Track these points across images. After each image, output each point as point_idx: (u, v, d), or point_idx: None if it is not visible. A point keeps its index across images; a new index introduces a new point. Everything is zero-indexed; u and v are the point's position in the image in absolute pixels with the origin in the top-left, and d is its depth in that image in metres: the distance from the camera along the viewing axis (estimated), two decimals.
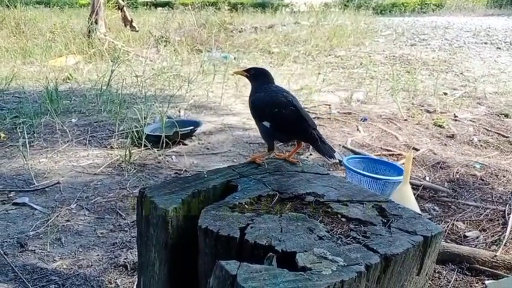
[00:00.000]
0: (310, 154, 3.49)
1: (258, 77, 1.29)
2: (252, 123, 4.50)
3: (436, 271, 1.95)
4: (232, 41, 7.42)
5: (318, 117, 4.51)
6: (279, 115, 1.22)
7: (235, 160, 3.40)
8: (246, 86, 5.41)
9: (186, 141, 3.65)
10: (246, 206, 1.08)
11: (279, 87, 1.32)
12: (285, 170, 1.29)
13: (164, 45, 6.89)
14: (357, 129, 4.11)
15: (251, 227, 0.96)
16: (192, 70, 5.65)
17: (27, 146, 3.20)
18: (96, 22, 6.76)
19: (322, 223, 1.00)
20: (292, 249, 0.88)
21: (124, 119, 3.84)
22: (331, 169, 3.14)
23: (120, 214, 2.45)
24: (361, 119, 4.32)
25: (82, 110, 4.21)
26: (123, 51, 6.25)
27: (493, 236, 2.23)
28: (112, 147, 3.37)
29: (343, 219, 1.03)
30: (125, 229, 2.33)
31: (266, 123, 1.24)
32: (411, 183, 2.58)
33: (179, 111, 4.40)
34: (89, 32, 6.76)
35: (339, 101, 4.96)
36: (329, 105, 4.84)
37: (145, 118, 3.64)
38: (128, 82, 5.05)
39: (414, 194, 2.57)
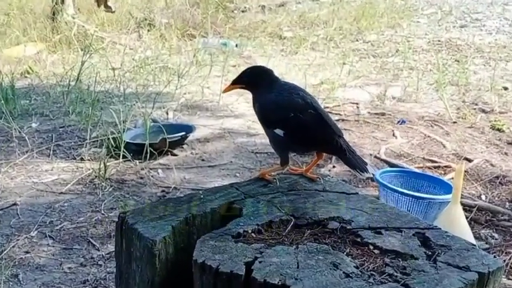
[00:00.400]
0: (334, 167, 3.50)
1: (257, 81, 1.26)
2: (259, 127, 4.50)
3: None
4: (233, 23, 7.47)
5: (343, 120, 4.51)
6: (296, 121, 1.21)
7: (238, 175, 3.41)
8: None
9: (176, 151, 3.68)
10: (253, 234, 1.09)
11: (290, 84, 1.31)
12: (302, 189, 1.30)
13: (148, 30, 6.97)
14: (393, 135, 4.11)
15: (260, 262, 0.96)
16: (182, 61, 5.70)
17: None
18: (62, 1, 6.85)
19: (349, 256, 1.01)
20: None
21: (98, 123, 3.89)
22: (360, 186, 3.15)
23: (93, 244, 2.47)
24: (398, 122, 4.32)
25: (44, 112, 4.26)
26: (96, 38, 6.33)
27: None
28: (82, 159, 3.41)
29: (376, 252, 1.03)
30: (99, 263, 2.35)
31: (279, 132, 1.23)
32: (462, 204, 2.57)
33: (167, 113, 4.44)
34: (54, 13, 6.84)
35: (370, 99, 4.97)
36: (357, 104, 4.85)
37: (124, 122, 3.68)
38: (103, 76, 5.11)
39: (467, 218, 2.56)
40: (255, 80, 1.26)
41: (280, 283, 0.91)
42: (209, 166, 3.49)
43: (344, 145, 1.22)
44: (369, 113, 4.62)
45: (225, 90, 1.30)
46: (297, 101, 1.23)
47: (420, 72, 5.50)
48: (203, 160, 3.58)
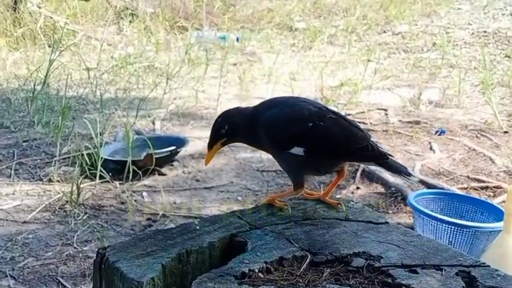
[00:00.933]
0: (358, 188, 3.51)
1: (238, 123, 1.24)
2: None
3: None
4: (233, 13, 7.54)
5: (368, 130, 4.51)
6: (318, 131, 1.19)
7: (240, 198, 3.42)
8: (254, 82, 5.48)
9: (165, 170, 3.70)
10: (260, 274, 1.09)
11: (281, 97, 1.35)
12: (320, 218, 1.30)
13: (130, 22, 7.03)
14: (430, 148, 4.11)
15: None
16: (172, 59, 5.75)
17: None
18: None
19: None
20: None
21: (69, 136, 3.91)
22: (390, 211, 3.15)
23: (63, 285, 2.48)
24: (436, 132, 4.32)
25: (4, 122, 4.31)
26: (67, 32, 6.40)
27: None
28: (50, 180, 3.43)
29: None
30: None
31: (297, 151, 1.20)
32: None
33: (154, 123, 4.46)
34: (16, 3, 6.92)
35: (401, 104, 4.98)
36: (385, 110, 4.87)
37: (101, 134, 3.70)
38: (76, 79, 5.16)
39: None
40: (236, 125, 1.23)
41: None
42: (205, 188, 3.49)
43: (381, 148, 1.23)
44: (400, 121, 4.63)
45: (208, 160, 1.29)
46: (309, 107, 1.22)
47: (462, 71, 5.52)
48: (197, 181, 3.59)
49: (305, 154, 1.22)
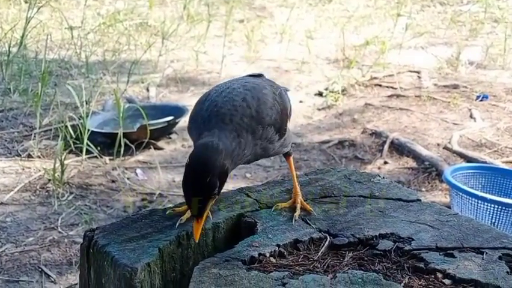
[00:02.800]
0: (385, 163, 3.50)
1: (226, 173, 1.12)
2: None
3: None
4: None
5: (398, 96, 4.50)
6: (283, 97, 1.32)
7: (248, 175, 3.43)
8: (264, 41, 5.44)
9: (161, 143, 3.71)
10: (272, 259, 1.09)
11: (214, 96, 1.24)
12: (341, 195, 1.30)
13: None
14: (471, 116, 4.09)
15: None
16: (168, 15, 5.72)
17: None
18: None
19: None
20: None
21: (51, 105, 3.92)
22: (423, 189, 3.14)
23: (47, 274, 2.51)
24: (477, 98, 4.29)
25: None
26: None
27: None
28: (30, 156, 3.45)
29: (446, 282, 1.03)
30: None
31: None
32: None
33: (148, 90, 4.46)
34: None
35: (437, 65, 4.94)
36: (418, 72, 4.83)
37: (87, 103, 3.70)
38: (57, 39, 5.15)
39: None
40: (226, 172, 1.12)
41: None
42: None
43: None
44: (435, 85, 4.60)
45: (198, 235, 1.10)
46: (250, 83, 1.27)
47: (508, 26, 5.44)
48: None
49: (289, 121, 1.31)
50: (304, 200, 1.26)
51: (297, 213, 1.22)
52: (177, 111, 3.83)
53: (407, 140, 3.71)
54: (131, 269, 1.04)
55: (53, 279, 2.48)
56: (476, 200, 2.60)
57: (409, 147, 3.60)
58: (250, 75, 1.37)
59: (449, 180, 2.72)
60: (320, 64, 5.08)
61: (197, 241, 1.11)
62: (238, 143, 1.14)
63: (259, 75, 1.37)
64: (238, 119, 1.15)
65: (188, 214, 1.17)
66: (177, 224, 1.15)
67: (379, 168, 3.44)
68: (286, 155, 1.34)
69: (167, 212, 1.21)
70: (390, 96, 4.46)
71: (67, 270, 2.52)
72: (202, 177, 1.08)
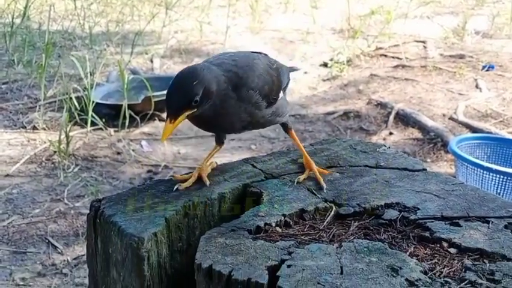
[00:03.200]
0: (390, 134, 3.51)
1: (210, 94, 1.14)
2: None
3: None
4: None
5: (404, 66, 4.48)
6: (281, 69, 1.35)
7: (254, 147, 3.43)
8: (268, 12, 5.41)
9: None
10: (277, 229, 1.11)
11: (220, 56, 1.28)
12: (347, 165, 1.31)
13: None
14: (476, 86, 4.08)
15: (288, 266, 0.98)
16: None
17: None
18: None
19: (414, 257, 1.02)
20: None
21: (55, 76, 3.92)
22: (428, 160, 3.15)
23: (54, 245, 2.54)
24: (483, 67, 4.27)
25: None
26: None
27: None
28: (35, 128, 3.46)
29: (452, 251, 1.04)
30: (63, 271, 2.42)
31: (281, 94, 1.31)
32: None
33: (152, 61, 4.45)
34: None
35: (442, 35, 4.91)
36: (424, 42, 4.80)
37: (91, 74, 3.70)
38: (60, 10, 5.12)
39: None
40: (210, 91, 1.13)
41: None
42: (213, 135, 3.50)
43: None
44: (441, 55, 4.57)
45: (167, 135, 1.11)
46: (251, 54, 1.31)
47: None
48: None
49: (283, 93, 1.33)
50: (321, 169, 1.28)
51: (319, 178, 1.24)
52: None
53: (413, 110, 3.70)
54: (138, 239, 1.05)
55: (60, 251, 2.51)
56: (481, 171, 2.61)
57: (414, 118, 3.60)
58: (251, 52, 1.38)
59: (455, 151, 2.73)
60: (324, 34, 5.06)
61: (163, 141, 1.15)
62: (225, 86, 1.16)
63: (259, 53, 1.37)
64: (227, 70, 1.18)
65: (188, 183, 1.20)
66: (175, 188, 1.18)
67: (384, 139, 3.45)
68: (287, 129, 1.34)
69: (168, 176, 1.23)
70: (396, 66, 4.45)
71: (73, 242, 2.55)
72: (189, 81, 1.12)
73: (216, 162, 1.31)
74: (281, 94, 1.29)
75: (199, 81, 1.12)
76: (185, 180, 1.22)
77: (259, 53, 1.37)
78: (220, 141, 1.36)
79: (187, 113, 1.13)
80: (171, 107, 1.12)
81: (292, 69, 1.47)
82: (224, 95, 1.17)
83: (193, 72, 1.14)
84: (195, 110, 1.14)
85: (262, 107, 1.22)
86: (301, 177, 1.25)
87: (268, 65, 1.27)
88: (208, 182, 1.22)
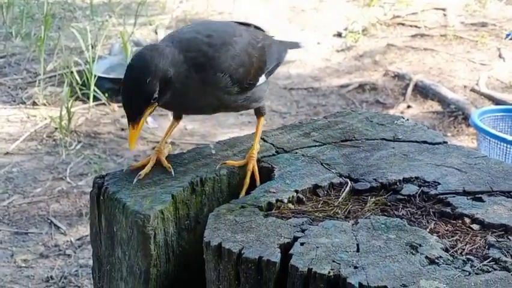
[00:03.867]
0: (408, 107, 3.48)
1: (169, 82, 1.08)
2: (297, 53, 4.43)
3: None
4: None
5: (423, 35, 4.44)
6: (268, 48, 1.28)
7: (264, 122, 3.40)
8: None
9: None
10: (290, 205, 1.10)
11: (190, 28, 1.24)
12: (362, 138, 1.30)
13: None
14: (500, 56, 4.04)
15: (301, 244, 0.98)
16: None
17: None
18: None
19: (435, 234, 1.01)
20: (379, 284, 0.90)
21: (55, 49, 3.91)
22: (448, 134, 3.13)
23: (56, 226, 2.55)
24: (507, 36, 4.23)
25: None
26: None
27: None
28: (35, 103, 3.47)
29: (474, 227, 1.03)
30: (66, 252, 2.43)
31: (262, 79, 1.24)
32: None
33: (157, 32, 4.43)
34: None
35: (464, 2, 4.85)
36: (443, 9, 4.75)
37: (93, 47, 3.69)
38: None
39: None
40: (168, 79, 1.07)
41: (332, 274, 0.92)
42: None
43: None
44: (462, 23, 4.52)
45: (133, 143, 1.08)
46: (235, 29, 1.23)
47: None
48: None
49: (266, 78, 1.26)
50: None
51: (246, 180, 1.17)
52: None
53: (432, 82, 3.68)
54: (144, 217, 1.06)
55: (63, 231, 2.52)
56: (505, 145, 2.59)
57: (434, 90, 3.57)
58: (237, 22, 1.29)
59: (477, 124, 2.71)
60: (338, 2, 5.01)
61: (132, 149, 1.11)
62: (186, 67, 1.09)
63: (248, 25, 1.30)
64: (193, 48, 1.11)
65: (147, 168, 1.15)
66: (134, 181, 1.13)
67: (402, 112, 3.43)
68: (258, 114, 1.28)
69: (125, 170, 1.18)
70: (414, 35, 4.41)
71: (77, 222, 2.56)
72: (142, 78, 1.05)
73: (171, 146, 1.27)
74: (262, 78, 1.21)
75: (153, 76, 1.05)
76: (144, 167, 1.17)
77: (249, 25, 1.30)
78: (178, 116, 1.31)
79: (148, 112, 1.08)
80: (131, 113, 1.06)
81: (294, 45, 1.41)
82: (185, 77, 1.10)
83: (144, 67, 1.06)
84: (156, 104, 1.09)
85: (232, 92, 1.15)
86: (232, 162, 1.18)
87: (251, 44, 1.19)
88: (171, 169, 1.15)
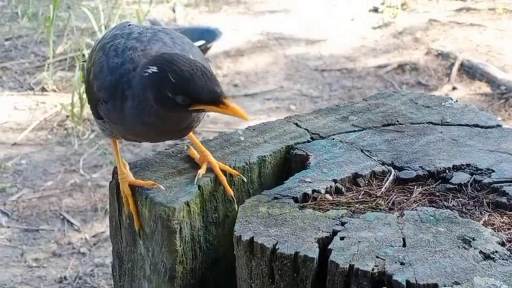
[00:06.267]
0: (454, 89, 3.46)
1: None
2: (324, 28, 4.39)
3: None
4: None
5: (468, 9, 4.39)
6: None
7: (293, 107, 3.42)
8: None
9: None
10: (327, 196, 1.10)
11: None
12: (407, 122, 1.29)
13: None
14: None
15: (341, 238, 0.98)
16: None
17: None
18: None
19: (490, 227, 1.00)
20: (428, 281, 0.90)
21: (65, 30, 3.94)
22: (499, 117, 3.10)
23: (70, 222, 2.57)
24: None
25: None
26: None
27: None
28: (44, 90, 3.49)
29: None
30: (81, 251, 2.45)
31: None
32: None
33: (174, 10, 4.43)
34: None
35: None
36: None
37: (105, 28, 3.70)
38: None
39: None
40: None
41: (376, 271, 0.92)
42: (246, 95, 3.51)
43: None
44: None
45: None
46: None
47: None
48: (236, 86, 3.60)
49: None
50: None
51: (202, 171, 1.14)
52: (209, 34, 3.82)
53: (480, 61, 3.64)
54: (169, 209, 1.06)
55: (76, 227, 2.54)
56: None
57: (482, 70, 3.54)
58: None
59: None
60: None
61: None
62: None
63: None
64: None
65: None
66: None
67: (447, 95, 3.40)
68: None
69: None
70: (459, 9, 4.36)
71: (92, 217, 2.58)
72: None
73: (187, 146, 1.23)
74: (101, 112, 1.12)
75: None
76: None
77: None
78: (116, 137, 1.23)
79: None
80: (221, 91, 1.03)
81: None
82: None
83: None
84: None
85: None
86: (201, 171, 1.13)
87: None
88: (157, 185, 1.11)
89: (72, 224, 2.55)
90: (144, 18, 3.83)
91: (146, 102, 1.03)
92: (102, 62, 1.10)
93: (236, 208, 1.11)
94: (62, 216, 2.59)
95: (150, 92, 1.02)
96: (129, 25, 1.21)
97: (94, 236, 2.49)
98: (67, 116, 3.18)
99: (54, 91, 3.46)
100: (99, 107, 1.09)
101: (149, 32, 1.14)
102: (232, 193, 1.13)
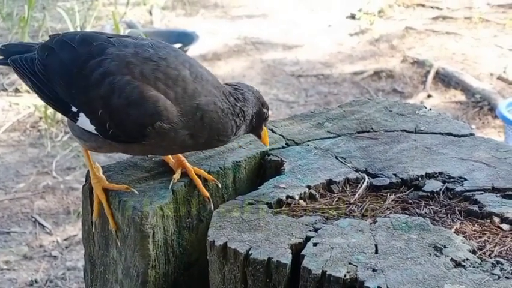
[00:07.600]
0: (429, 96, 3.49)
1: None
2: (302, 33, 4.40)
3: None
4: None
5: (445, 17, 4.43)
6: None
7: (270, 112, 3.40)
8: None
9: None
10: (301, 202, 1.11)
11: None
12: (381, 129, 1.30)
13: None
14: None
15: (315, 244, 0.98)
16: None
17: None
18: None
19: (461, 234, 1.01)
20: None
21: (40, 31, 3.91)
22: (473, 126, 3.13)
23: (41, 224, 2.55)
24: None
25: None
26: None
27: None
28: (17, 91, 3.46)
29: (504, 227, 1.03)
30: (52, 254, 2.43)
31: None
32: None
33: (151, 13, 4.42)
34: None
35: None
36: None
37: (81, 29, 3.68)
38: None
39: None
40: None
41: (348, 277, 0.92)
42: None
43: None
44: (489, 4, 4.51)
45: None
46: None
47: None
48: None
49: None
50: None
51: (177, 175, 1.14)
52: (185, 38, 3.82)
53: (455, 69, 3.67)
54: (142, 213, 1.06)
55: (48, 230, 2.52)
56: None
57: (457, 78, 3.57)
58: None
59: (504, 116, 2.70)
60: None
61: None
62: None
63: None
64: None
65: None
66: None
67: (422, 102, 3.42)
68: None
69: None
70: (435, 18, 4.40)
71: (64, 220, 2.56)
72: None
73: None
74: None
75: None
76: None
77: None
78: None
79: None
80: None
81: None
82: None
83: None
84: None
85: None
86: (175, 176, 1.13)
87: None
88: (131, 189, 1.11)
89: (44, 226, 2.53)
90: (120, 20, 3.81)
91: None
92: None
93: (212, 208, 1.11)
94: (34, 219, 2.57)
95: None
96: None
97: (66, 239, 2.47)
98: (40, 118, 3.16)
99: (28, 92, 3.43)
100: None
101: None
102: (207, 194, 1.13)
